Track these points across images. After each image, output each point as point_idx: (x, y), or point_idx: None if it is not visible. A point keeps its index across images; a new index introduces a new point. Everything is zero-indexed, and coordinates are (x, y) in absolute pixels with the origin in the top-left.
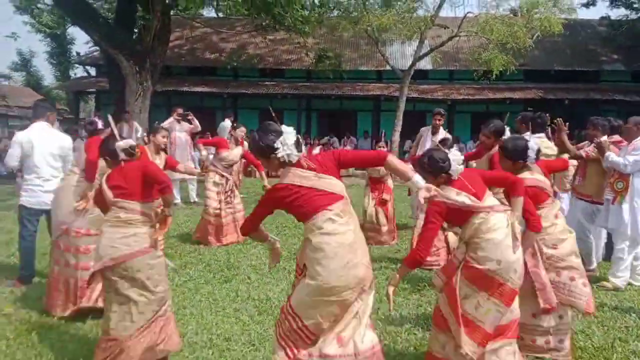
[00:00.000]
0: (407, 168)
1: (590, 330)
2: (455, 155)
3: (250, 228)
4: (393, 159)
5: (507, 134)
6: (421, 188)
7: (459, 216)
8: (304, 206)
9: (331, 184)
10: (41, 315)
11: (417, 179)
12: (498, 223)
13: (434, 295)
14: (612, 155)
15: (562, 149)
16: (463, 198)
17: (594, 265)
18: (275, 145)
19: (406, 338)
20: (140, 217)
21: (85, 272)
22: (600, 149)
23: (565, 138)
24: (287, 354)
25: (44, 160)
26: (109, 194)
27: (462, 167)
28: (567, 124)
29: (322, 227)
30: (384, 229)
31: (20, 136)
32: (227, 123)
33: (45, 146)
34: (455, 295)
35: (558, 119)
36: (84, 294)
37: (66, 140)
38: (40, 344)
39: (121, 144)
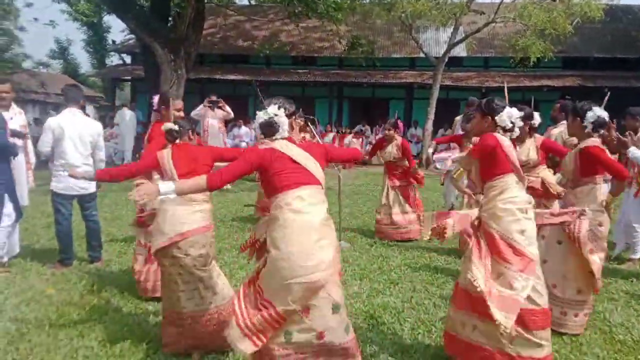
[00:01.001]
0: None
1: (630, 323)
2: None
3: (221, 183)
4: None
5: (537, 118)
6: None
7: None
8: (280, 175)
9: (315, 167)
10: (82, 297)
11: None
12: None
13: None
14: (633, 150)
15: (620, 146)
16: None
17: (638, 255)
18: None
19: (441, 327)
20: (202, 195)
21: None
22: (622, 143)
23: (613, 134)
24: (253, 342)
25: (73, 146)
26: (171, 170)
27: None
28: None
29: (290, 203)
30: (411, 216)
31: (51, 122)
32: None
33: (75, 132)
34: None
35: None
36: None
37: (97, 126)
38: (81, 325)
39: (168, 125)
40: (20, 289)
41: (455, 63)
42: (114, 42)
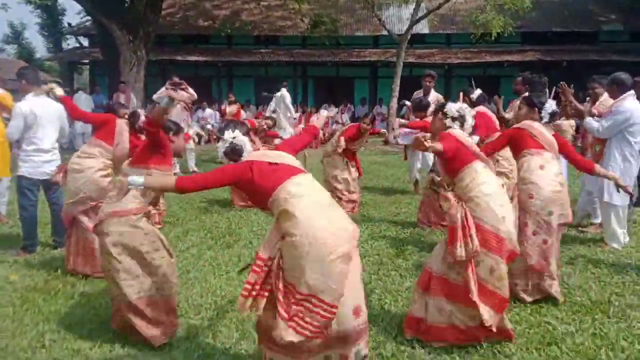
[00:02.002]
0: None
1: (588, 286)
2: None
3: (191, 189)
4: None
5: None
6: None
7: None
8: (268, 176)
9: (293, 160)
10: (46, 282)
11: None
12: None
13: None
14: (588, 120)
15: (576, 113)
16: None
17: (599, 219)
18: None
19: (407, 297)
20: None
21: None
22: (579, 112)
23: (574, 101)
24: (299, 332)
25: (45, 131)
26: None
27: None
28: (572, 85)
29: (291, 192)
30: (353, 196)
31: (23, 108)
32: (284, 92)
33: (46, 116)
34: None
35: (562, 83)
36: None
37: (61, 108)
38: (46, 309)
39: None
40: None
41: (418, 40)
42: (69, 24)
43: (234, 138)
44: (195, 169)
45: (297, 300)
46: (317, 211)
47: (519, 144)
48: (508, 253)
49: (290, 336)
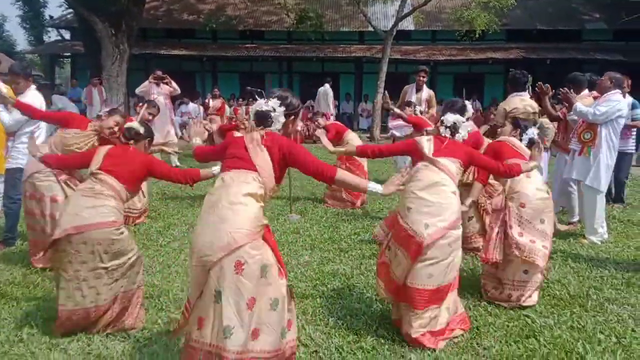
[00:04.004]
0: (359, 180)
1: (566, 280)
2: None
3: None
4: (343, 175)
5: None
6: (381, 192)
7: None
8: (225, 159)
9: (261, 159)
10: (25, 276)
11: (372, 186)
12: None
13: None
14: (579, 105)
15: (546, 112)
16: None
17: (576, 218)
18: None
19: None
20: (114, 194)
21: None
22: (567, 99)
23: (547, 103)
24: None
25: (43, 124)
26: (96, 163)
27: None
28: (549, 86)
29: (216, 182)
30: (345, 195)
31: (30, 102)
32: (327, 87)
33: (43, 109)
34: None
35: (539, 82)
36: None
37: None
38: (25, 302)
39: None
40: None
41: (403, 37)
42: (51, 17)
43: (274, 109)
44: (178, 163)
45: None
46: (205, 213)
47: (502, 152)
48: (409, 247)
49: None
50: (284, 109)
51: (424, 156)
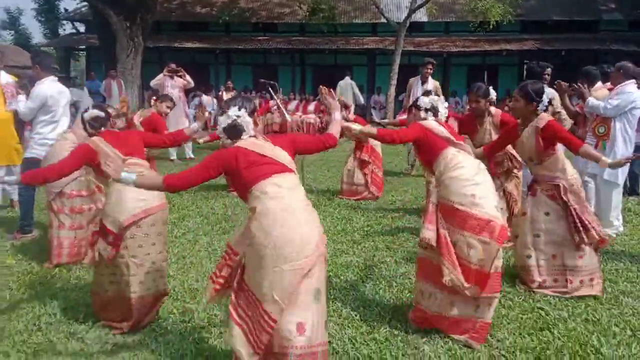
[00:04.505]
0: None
1: None
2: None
3: (179, 188)
4: (338, 135)
5: (493, 93)
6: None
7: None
8: (250, 169)
9: (285, 157)
10: (42, 267)
11: (356, 127)
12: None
13: None
14: (591, 100)
15: (579, 96)
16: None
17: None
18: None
19: (401, 282)
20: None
21: (80, 232)
22: (581, 94)
23: (567, 100)
24: (248, 339)
25: (63, 114)
26: (119, 154)
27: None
28: (568, 84)
29: (267, 191)
30: (360, 188)
31: (43, 90)
32: (348, 81)
33: (63, 100)
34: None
35: (558, 80)
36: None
37: (69, 95)
38: (43, 293)
39: (93, 112)
40: None
41: (416, 28)
42: (66, 10)
43: (238, 117)
44: (192, 155)
45: (248, 304)
46: (283, 218)
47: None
48: (492, 231)
49: (239, 345)
50: (244, 110)
51: (450, 141)
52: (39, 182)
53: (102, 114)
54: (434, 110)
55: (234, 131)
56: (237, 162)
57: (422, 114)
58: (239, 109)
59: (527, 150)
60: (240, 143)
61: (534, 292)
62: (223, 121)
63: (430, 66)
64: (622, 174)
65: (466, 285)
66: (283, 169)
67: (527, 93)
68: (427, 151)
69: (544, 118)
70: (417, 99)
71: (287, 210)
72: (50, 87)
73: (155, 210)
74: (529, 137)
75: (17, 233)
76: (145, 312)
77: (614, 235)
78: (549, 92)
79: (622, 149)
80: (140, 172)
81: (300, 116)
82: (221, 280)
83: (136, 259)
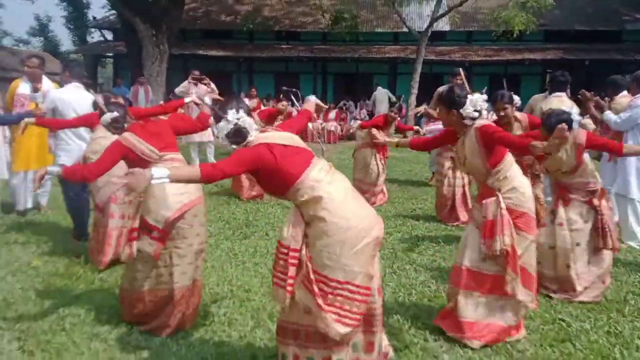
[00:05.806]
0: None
1: None
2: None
3: (216, 178)
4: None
5: (517, 99)
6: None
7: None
8: (288, 160)
9: (303, 144)
10: (68, 268)
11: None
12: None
13: (448, 251)
14: (607, 113)
15: (598, 109)
16: None
17: (616, 218)
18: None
19: (421, 290)
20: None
21: (128, 222)
22: (600, 106)
23: (592, 108)
24: (345, 324)
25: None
26: (153, 149)
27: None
28: (591, 93)
29: (319, 179)
30: (377, 189)
31: (53, 93)
32: (382, 90)
33: (80, 105)
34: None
35: (582, 90)
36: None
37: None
38: (67, 294)
39: (108, 116)
40: (5, 261)
41: (438, 37)
42: (94, 18)
43: (238, 119)
44: (214, 160)
45: (333, 289)
46: (346, 196)
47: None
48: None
49: (339, 328)
50: (242, 111)
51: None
52: (77, 178)
53: (116, 113)
54: (480, 113)
55: (240, 135)
56: (275, 156)
57: (470, 117)
58: (237, 112)
59: (566, 164)
60: (259, 139)
61: (550, 298)
62: (225, 127)
63: (459, 77)
64: (637, 186)
65: (533, 295)
66: (311, 154)
67: (444, 100)
68: (495, 151)
69: (479, 124)
70: (453, 102)
71: (346, 188)
72: (63, 91)
73: (197, 202)
74: (568, 153)
75: (72, 238)
76: (184, 307)
77: (637, 247)
78: (477, 98)
79: (635, 160)
80: (175, 167)
81: (322, 124)
82: (291, 281)
83: (180, 250)
